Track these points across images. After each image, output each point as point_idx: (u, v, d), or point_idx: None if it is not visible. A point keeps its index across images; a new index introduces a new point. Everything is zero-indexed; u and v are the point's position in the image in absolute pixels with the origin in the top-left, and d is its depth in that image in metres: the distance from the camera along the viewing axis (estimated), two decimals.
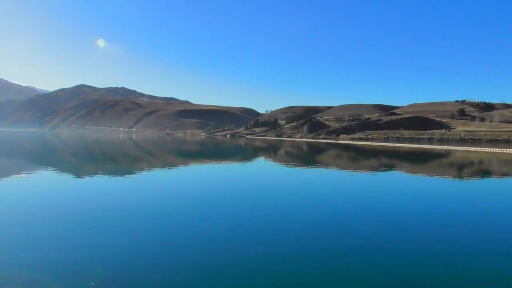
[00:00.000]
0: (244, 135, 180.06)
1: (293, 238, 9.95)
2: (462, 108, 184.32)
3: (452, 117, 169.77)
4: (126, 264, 7.77)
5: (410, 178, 26.49)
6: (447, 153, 54.25)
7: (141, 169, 29.14)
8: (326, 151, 64.58)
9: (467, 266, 8.07)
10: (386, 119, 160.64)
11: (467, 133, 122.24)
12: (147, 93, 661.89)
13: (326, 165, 37.20)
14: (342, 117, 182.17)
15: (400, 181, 24.67)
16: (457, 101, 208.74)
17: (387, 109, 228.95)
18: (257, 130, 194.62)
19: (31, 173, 24.28)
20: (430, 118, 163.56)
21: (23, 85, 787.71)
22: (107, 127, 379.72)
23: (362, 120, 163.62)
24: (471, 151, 58.87)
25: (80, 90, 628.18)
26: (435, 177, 25.84)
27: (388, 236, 10.31)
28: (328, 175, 27.17)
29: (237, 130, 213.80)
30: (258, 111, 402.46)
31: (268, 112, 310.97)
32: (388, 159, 44.51)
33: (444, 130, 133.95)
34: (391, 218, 12.69)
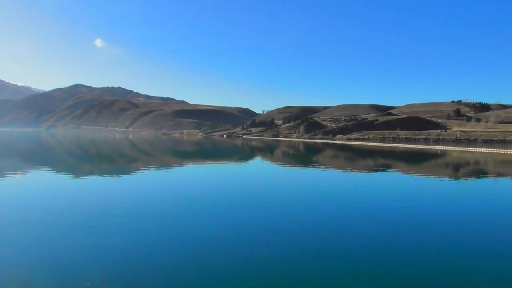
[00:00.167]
0: (241, 135, 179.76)
1: (291, 238, 9.96)
2: (458, 109, 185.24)
3: (448, 117, 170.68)
4: (122, 265, 7.73)
5: (407, 178, 26.57)
6: (443, 153, 54.49)
7: (137, 170, 29.04)
8: (323, 151, 64.67)
9: (464, 265, 8.09)
10: (383, 119, 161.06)
11: (463, 134, 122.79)
12: (143, 93, 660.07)
13: (323, 165, 37.24)
14: (338, 117, 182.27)
15: (396, 181, 24.75)
16: (453, 102, 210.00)
17: (383, 110, 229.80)
18: (253, 130, 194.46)
19: (25, 173, 24.15)
20: (426, 118, 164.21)
21: (19, 84, 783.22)
22: (103, 127, 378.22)
23: (358, 120, 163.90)
24: (467, 151, 59.14)
25: (76, 89, 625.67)
26: (431, 177, 25.97)
27: (386, 236, 10.33)
28: (325, 176, 27.19)
29: (234, 130, 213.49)
30: (255, 111, 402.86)
31: (264, 112, 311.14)
32: (385, 159, 44.65)
33: (440, 131, 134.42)
34: (387, 218, 12.71)
